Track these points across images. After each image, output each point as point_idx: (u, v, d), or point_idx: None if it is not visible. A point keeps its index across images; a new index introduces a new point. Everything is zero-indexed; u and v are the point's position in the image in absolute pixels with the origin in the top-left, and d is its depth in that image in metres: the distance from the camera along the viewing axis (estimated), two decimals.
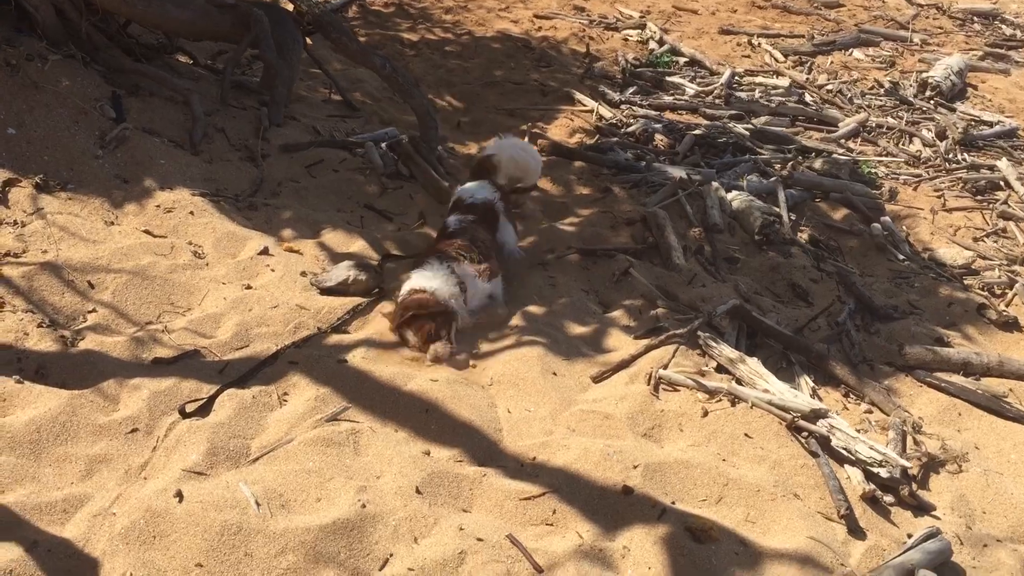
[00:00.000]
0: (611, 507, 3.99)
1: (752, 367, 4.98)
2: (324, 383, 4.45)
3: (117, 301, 4.75)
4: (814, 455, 4.49)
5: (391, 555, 3.59)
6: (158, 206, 5.52)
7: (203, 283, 5.05)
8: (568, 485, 4.06)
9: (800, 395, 4.87)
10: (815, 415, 4.65)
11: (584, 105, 8.70)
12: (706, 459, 4.35)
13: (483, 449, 4.26)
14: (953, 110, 10.13)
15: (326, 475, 3.89)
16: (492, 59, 9.57)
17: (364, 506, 3.72)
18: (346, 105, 7.62)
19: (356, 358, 4.69)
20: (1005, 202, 8.04)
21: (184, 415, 4.13)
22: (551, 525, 3.90)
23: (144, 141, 5.96)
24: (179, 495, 3.66)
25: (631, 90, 9.29)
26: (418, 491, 3.89)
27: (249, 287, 5.09)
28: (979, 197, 8.17)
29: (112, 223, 5.33)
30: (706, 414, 4.67)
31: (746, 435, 4.56)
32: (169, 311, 4.81)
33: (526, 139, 7.62)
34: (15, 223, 5.02)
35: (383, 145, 6.80)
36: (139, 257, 5.04)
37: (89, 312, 4.65)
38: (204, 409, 4.19)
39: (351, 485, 3.85)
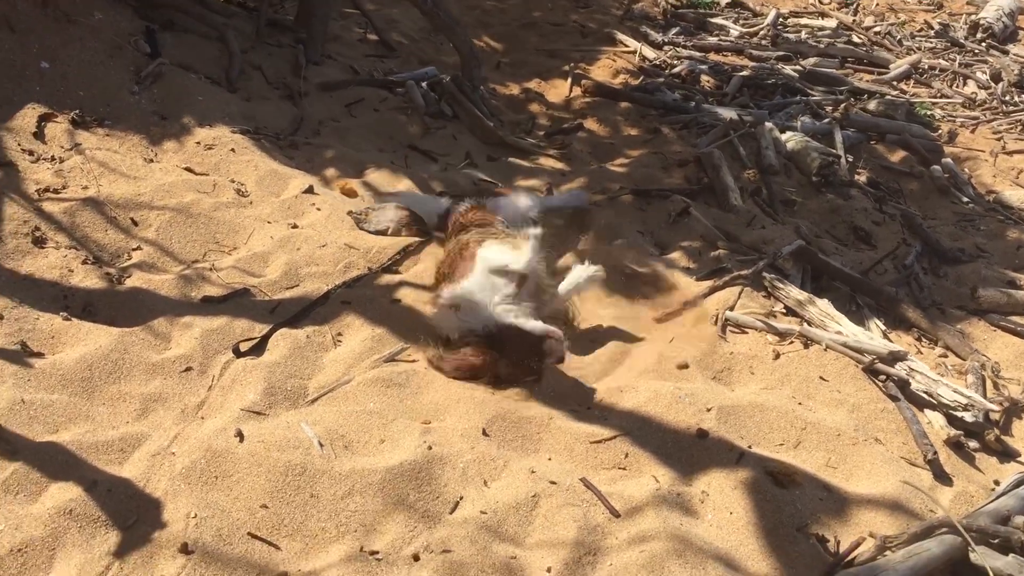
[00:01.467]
0: (686, 451, 3.79)
1: (823, 308, 4.74)
2: (379, 323, 4.26)
3: (162, 239, 4.55)
4: (893, 399, 4.28)
5: (461, 498, 3.41)
6: (198, 143, 5.30)
7: (248, 222, 4.85)
8: (639, 428, 3.86)
9: (875, 337, 4.65)
10: (893, 358, 4.43)
11: (626, 46, 8.41)
12: (781, 402, 4.15)
13: (547, 389, 4.07)
14: (1006, 52, 9.77)
15: (388, 416, 3.71)
16: (529, 1, 9.26)
17: (430, 448, 3.54)
18: (383, 45, 7.36)
19: (409, 298, 4.48)
20: None
21: (238, 354, 3.95)
22: (624, 469, 3.71)
23: (180, 77, 5.73)
24: (239, 435, 3.49)
25: (674, 31, 8.98)
26: (484, 433, 3.70)
27: (295, 226, 4.88)
28: None
29: (152, 160, 5.12)
30: (778, 356, 4.45)
31: (821, 378, 4.35)
32: (215, 250, 4.62)
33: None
34: (53, 158, 4.82)
35: (424, 84, 6.54)
36: (182, 194, 4.84)
37: (134, 250, 4.46)
38: (258, 348, 4.01)
39: (414, 427, 3.67)
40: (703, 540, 3.38)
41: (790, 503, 3.58)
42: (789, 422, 4.02)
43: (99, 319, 3.99)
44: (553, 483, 3.48)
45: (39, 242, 4.29)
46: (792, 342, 4.52)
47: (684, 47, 8.64)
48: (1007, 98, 8.58)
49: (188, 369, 3.85)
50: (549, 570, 3.17)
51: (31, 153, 4.81)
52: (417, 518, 3.28)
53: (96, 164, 4.84)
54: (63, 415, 3.51)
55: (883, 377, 4.37)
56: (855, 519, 3.59)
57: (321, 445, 3.49)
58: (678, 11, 9.53)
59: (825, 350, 4.46)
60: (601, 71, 7.79)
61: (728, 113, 7.04)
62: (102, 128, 5.19)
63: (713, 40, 8.98)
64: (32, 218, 4.36)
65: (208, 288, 4.31)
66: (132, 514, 3.14)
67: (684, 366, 4.31)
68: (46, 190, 4.56)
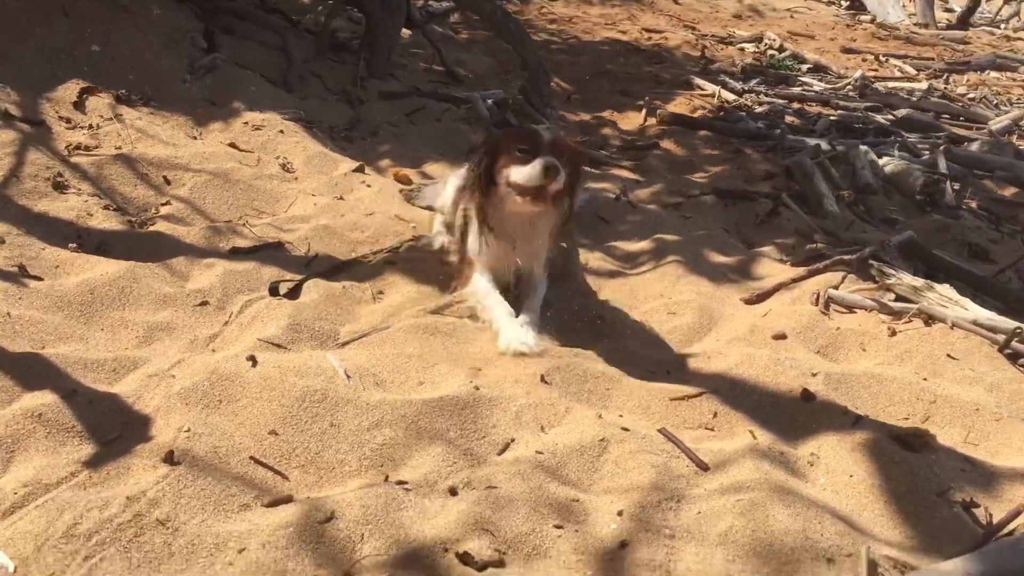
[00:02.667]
0: (788, 413, 3.11)
1: (943, 293, 4.05)
2: (425, 282, 3.74)
3: (195, 197, 4.15)
4: None
5: (512, 440, 2.78)
6: (246, 123, 4.97)
7: (291, 193, 4.43)
8: (730, 388, 3.20)
9: (1010, 321, 3.93)
10: None
11: (704, 90, 8.01)
12: (902, 375, 3.45)
13: (616, 351, 3.45)
14: None
15: (429, 360, 3.13)
16: (601, 56, 9.01)
17: (478, 388, 2.94)
18: (449, 75, 7.09)
19: None
20: None
21: (273, 293, 3.44)
22: (711, 430, 3.04)
23: (235, 71, 5.48)
24: (252, 359, 2.94)
25: (754, 81, 8.59)
26: (543, 380, 3.09)
27: (341, 198, 4.45)
28: None
29: (195, 137, 4.79)
30: (894, 334, 3.76)
31: (949, 356, 3.64)
32: (252, 215, 4.19)
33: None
34: (90, 126, 4.51)
35: (489, 101, 6.20)
36: (222, 162, 4.46)
37: (163, 205, 4.06)
38: (292, 293, 3.50)
39: (460, 371, 3.08)
40: (816, 497, 2.68)
41: (926, 467, 2.84)
42: (914, 395, 3.31)
43: (113, 256, 3.54)
44: (625, 430, 2.83)
45: (60, 187, 3.92)
46: (910, 320, 3.84)
47: (766, 95, 8.22)
48: None
49: (204, 303, 3.35)
50: (620, 513, 2.49)
51: (68, 120, 4.51)
52: (458, 455, 2.66)
53: (134, 131, 4.51)
54: (53, 334, 3.02)
55: (1023, 360, 3.65)
56: (1007, 494, 2.84)
57: (348, 376, 2.92)
58: (757, 68, 9.17)
59: (952, 328, 3.76)
60: (678, 107, 7.38)
61: (817, 141, 6.50)
62: (147, 107, 4.90)
63: (796, 91, 8.54)
64: (56, 165, 4.01)
65: (239, 241, 3.86)
66: (114, 429, 2.59)
67: (781, 336, 3.66)
68: (76, 147, 4.23)
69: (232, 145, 4.75)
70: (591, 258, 4.33)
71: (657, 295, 4.00)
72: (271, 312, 3.28)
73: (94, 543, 2.14)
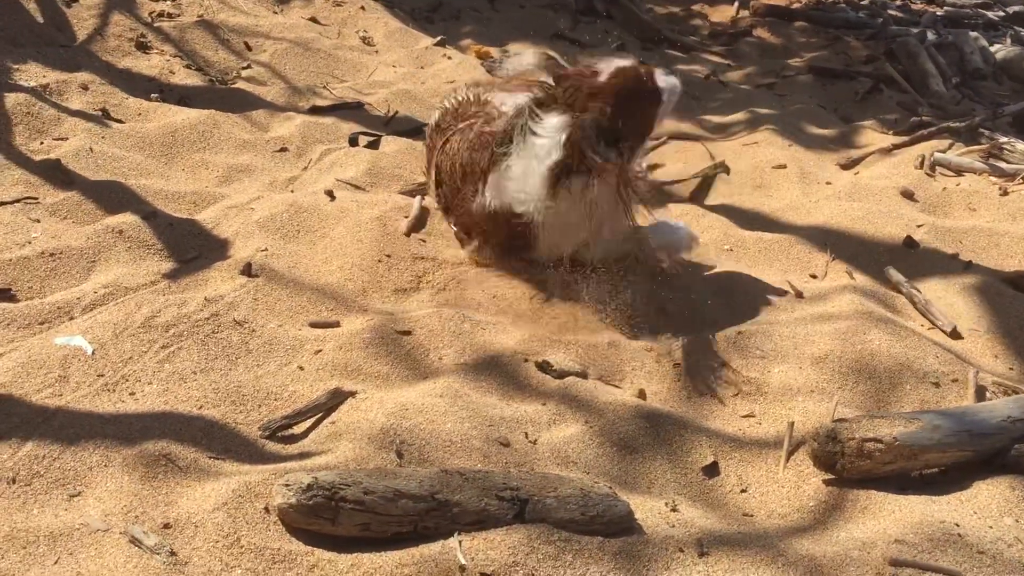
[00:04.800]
0: (889, 258, 2.92)
1: None
2: None
3: (275, 63, 4.10)
4: None
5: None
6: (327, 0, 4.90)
7: (371, 63, 4.36)
8: (826, 236, 3.03)
9: None
10: None
11: None
12: (1017, 229, 3.22)
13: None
14: None
15: None
16: None
17: None
18: None
19: None
20: None
21: (353, 143, 3.39)
22: (813, 277, 2.87)
23: None
24: (330, 194, 2.89)
25: None
26: None
27: (423, 68, 4.36)
28: None
29: (276, 12, 4.73)
30: (1006, 193, 3.51)
31: None
32: (332, 81, 4.12)
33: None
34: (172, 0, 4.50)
35: None
36: (302, 32, 4.41)
37: (244, 68, 4.02)
38: (372, 145, 3.43)
39: None
40: (917, 329, 2.51)
41: None
42: None
43: (195, 107, 3.53)
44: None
45: (143, 47, 3.91)
46: (1023, 181, 3.59)
47: None
48: None
49: (283, 150, 3.32)
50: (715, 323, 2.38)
51: None
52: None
53: (216, 1, 4.47)
54: (136, 170, 3.01)
55: None
56: None
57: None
58: None
59: None
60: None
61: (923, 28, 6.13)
62: None
63: None
64: (140, 28, 4.00)
65: (318, 102, 3.81)
66: (193, 250, 2.58)
67: (882, 196, 3.45)
68: (160, 15, 4.22)
69: (313, 19, 4.69)
70: (680, 128, 4.15)
71: (750, 159, 3.81)
72: (350, 159, 3.22)
73: (171, 334, 2.13)
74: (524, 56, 4.48)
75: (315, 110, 3.71)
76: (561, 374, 2.19)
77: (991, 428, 1.95)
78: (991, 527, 1.77)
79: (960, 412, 1.99)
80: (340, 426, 1.94)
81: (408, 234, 2.71)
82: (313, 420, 1.97)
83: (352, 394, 2.03)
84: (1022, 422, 2.00)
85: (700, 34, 6.06)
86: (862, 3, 7.22)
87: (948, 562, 1.65)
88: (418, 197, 2.90)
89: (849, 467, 1.87)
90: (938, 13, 7.21)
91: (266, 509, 1.64)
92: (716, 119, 4.38)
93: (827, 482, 1.91)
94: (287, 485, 1.61)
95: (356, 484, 1.62)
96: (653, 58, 5.38)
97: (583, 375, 2.22)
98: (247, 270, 2.42)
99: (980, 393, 2.23)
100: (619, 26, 5.73)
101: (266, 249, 2.54)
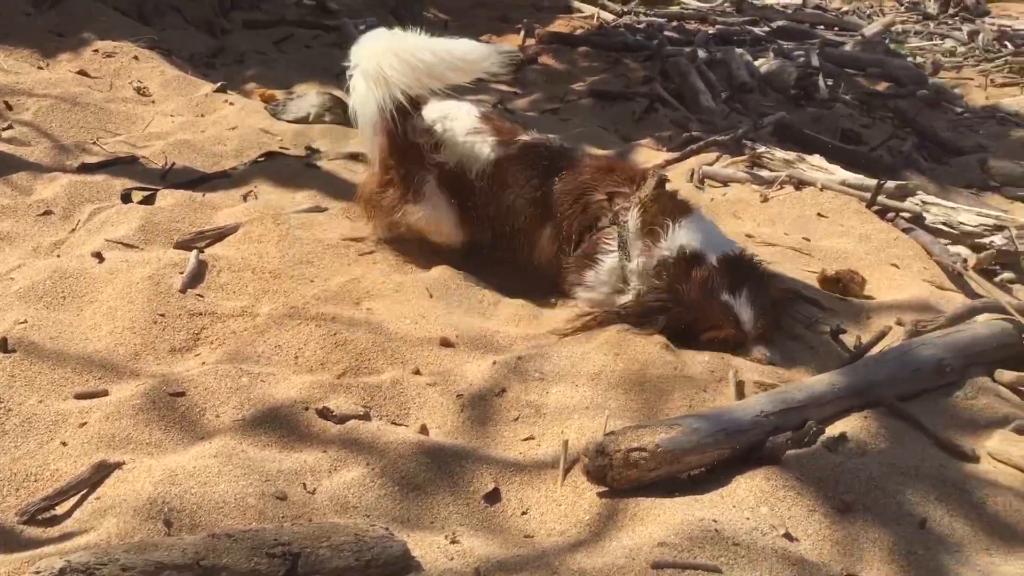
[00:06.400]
0: None
1: (814, 163, 4.09)
2: (294, 187, 3.58)
3: (40, 121, 3.90)
4: (907, 231, 3.61)
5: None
6: (96, 51, 4.71)
7: (147, 114, 4.22)
8: None
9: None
10: (902, 193, 3.78)
11: (583, 12, 7.97)
12: (775, 232, 3.48)
13: None
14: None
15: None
16: None
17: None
18: (320, 8, 6.85)
19: (329, 165, 3.84)
20: None
21: (126, 200, 3.25)
22: None
23: (84, 4, 5.19)
24: (99, 256, 2.78)
25: (634, 2, 8.58)
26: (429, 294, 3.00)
27: (203, 116, 4.26)
28: None
29: (41, 67, 4.53)
30: (766, 199, 3.79)
31: (820, 215, 3.68)
32: (104, 136, 3.96)
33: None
34: None
35: (361, 27, 6.02)
36: (70, 87, 4.22)
37: (4, 130, 3.80)
38: (146, 201, 3.31)
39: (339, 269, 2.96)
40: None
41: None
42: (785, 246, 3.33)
43: None
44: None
45: None
46: (781, 187, 3.87)
47: (645, 15, 8.22)
48: (989, 49, 8.15)
49: (47, 213, 3.16)
50: (494, 363, 2.43)
51: None
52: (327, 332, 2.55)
53: None
54: None
55: (892, 214, 3.71)
56: (875, 324, 2.86)
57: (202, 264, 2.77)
58: None
59: (821, 190, 3.80)
60: (557, 29, 7.30)
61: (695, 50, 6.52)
62: None
63: (675, 9, 8.58)
64: None
65: (88, 159, 3.65)
66: None
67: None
68: None
69: (82, 72, 4.50)
70: None
71: None
72: (122, 217, 3.10)
73: None
74: (308, 97, 4.50)
75: (85, 168, 3.55)
76: (342, 419, 2.19)
77: (746, 424, 2.09)
78: (748, 518, 1.89)
79: (716, 413, 2.12)
80: (106, 501, 1.86)
81: (184, 290, 2.65)
82: (77, 498, 1.88)
83: (119, 465, 1.95)
84: (775, 415, 2.16)
85: None
86: (639, 26, 7.63)
87: (706, 558, 1.75)
88: (194, 251, 2.84)
89: (618, 478, 1.96)
90: (710, 32, 7.72)
91: None
92: None
93: (601, 495, 1.98)
94: (37, 572, 1.53)
95: (113, 562, 1.55)
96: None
97: (366, 417, 2.22)
98: (2, 346, 2.28)
99: (740, 391, 2.38)
100: None
101: (25, 321, 2.41)
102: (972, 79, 7.04)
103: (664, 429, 2.00)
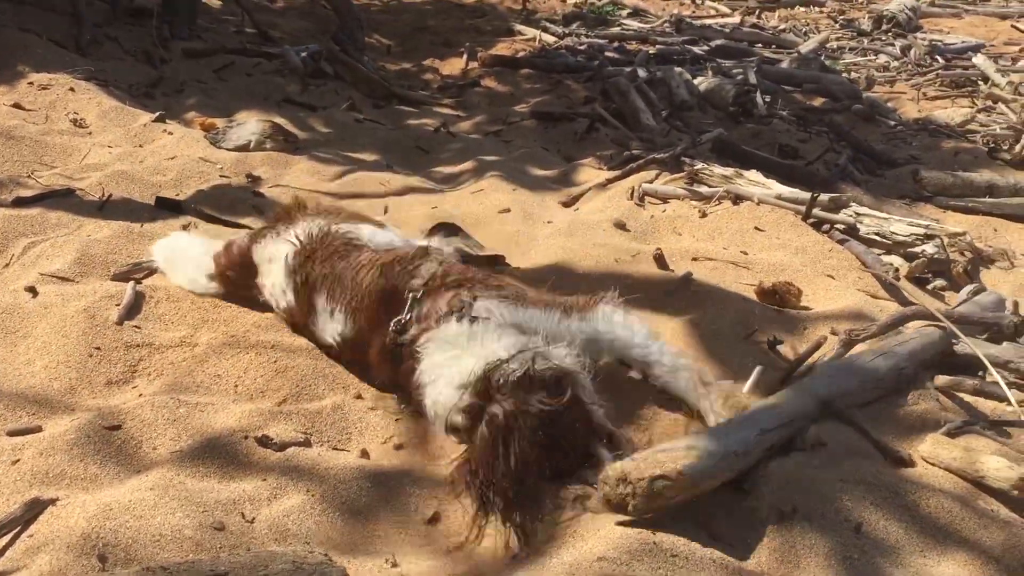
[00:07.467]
0: (601, 288, 3.11)
1: (752, 178, 4.16)
2: (234, 216, 3.57)
3: None
4: (841, 242, 3.69)
5: None
6: (31, 83, 4.65)
7: (84, 146, 4.17)
8: (546, 274, 3.18)
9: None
10: (836, 205, 3.87)
11: (525, 35, 8.04)
12: (714, 247, 3.53)
13: None
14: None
15: None
16: (422, 14, 8.90)
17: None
18: (262, 36, 6.83)
19: (274, 192, 3.83)
20: (988, 89, 7.45)
21: None
22: None
23: (17, 35, 5.13)
24: (32, 291, 2.74)
25: (575, 24, 8.68)
26: None
27: (141, 146, 4.23)
28: (959, 90, 7.59)
29: None
30: (705, 215, 3.85)
31: (757, 228, 3.75)
32: (40, 170, 3.91)
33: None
34: None
35: (303, 53, 6.02)
36: (4, 119, 4.17)
37: None
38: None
39: None
40: None
41: (745, 312, 2.91)
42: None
43: None
44: None
45: None
46: (720, 202, 3.93)
47: (586, 36, 8.31)
48: (922, 62, 8.37)
49: None
50: None
51: None
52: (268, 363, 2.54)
53: None
54: None
55: (827, 226, 3.79)
56: (811, 334, 2.91)
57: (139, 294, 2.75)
58: (578, 15, 9.27)
59: (758, 204, 3.87)
60: (499, 52, 7.36)
61: (635, 70, 6.61)
62: None
63: (616, 31, 8.69)
64: None
65: (23, 192, 3.60)
66: None
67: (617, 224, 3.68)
68: None
69: (16, 105, 4.44)
70: (410, 182, 4.25)
71: (476, 206, 3.95)
72: (56, 250, 3.06)
73: None
74: (248, 125, 4.49)
75: (19, 202, 3.49)
76: (282, 446, 2.18)
77: (751, 443, 2.10)
78: (686, 529, 1.91)
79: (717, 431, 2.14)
80: (39, 539, 1.83)
81: (120, 323, 2.62)
82: (9, 537, 1.85)
83: (53, 501, 1.92)
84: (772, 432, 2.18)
85: (431, 88, 6.26)
86: (580, 48, 7.72)
87: (645, 570, 1.77)
88: (131, 282, 2.81)
89: (641, 507, 1.90)
90: (650, 51, 7.82)
91: None
92: (446, 170, 4.53)
93: None
94: None
95: None
96: (386, 113, 5.50)
97: (306, 443, 2.21)
98: None
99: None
100: (349, 86, 5.81)
101: None
102: (905, 93, 7.22)
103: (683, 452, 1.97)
